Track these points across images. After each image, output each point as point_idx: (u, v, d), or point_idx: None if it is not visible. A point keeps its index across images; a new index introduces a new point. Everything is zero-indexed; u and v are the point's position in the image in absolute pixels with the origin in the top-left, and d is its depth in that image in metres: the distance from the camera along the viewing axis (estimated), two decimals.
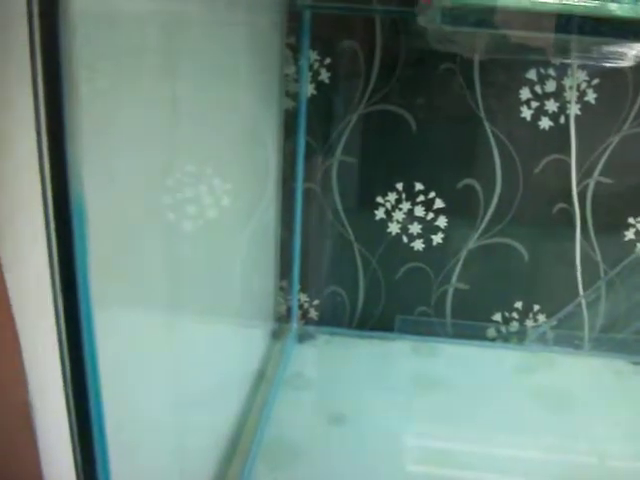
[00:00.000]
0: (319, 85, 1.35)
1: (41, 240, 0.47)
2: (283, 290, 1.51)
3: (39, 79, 0.41)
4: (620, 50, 1.06)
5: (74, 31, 0.42)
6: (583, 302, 1.45)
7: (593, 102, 1.31)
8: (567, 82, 1.30)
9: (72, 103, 0.42)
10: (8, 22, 0.45)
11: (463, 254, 1.44)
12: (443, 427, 1.23)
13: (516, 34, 1.02)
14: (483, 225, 1.41)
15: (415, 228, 1.42)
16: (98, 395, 0.51)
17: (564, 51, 1.18)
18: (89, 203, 0.48)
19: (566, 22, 0.89)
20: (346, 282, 1.50)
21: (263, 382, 1.32)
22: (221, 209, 0.97)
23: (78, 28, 0.44)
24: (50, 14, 0.42)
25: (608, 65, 1.21)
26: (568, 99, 1.31)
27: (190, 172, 0.84)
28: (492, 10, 0.89)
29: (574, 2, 0.80)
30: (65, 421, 0.52)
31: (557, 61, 1.27)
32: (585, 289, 1.43)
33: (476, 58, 1.29)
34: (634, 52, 1.08)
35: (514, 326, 1.49)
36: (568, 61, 1.26)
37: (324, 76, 1.35)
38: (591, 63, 1.24)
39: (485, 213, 1.40)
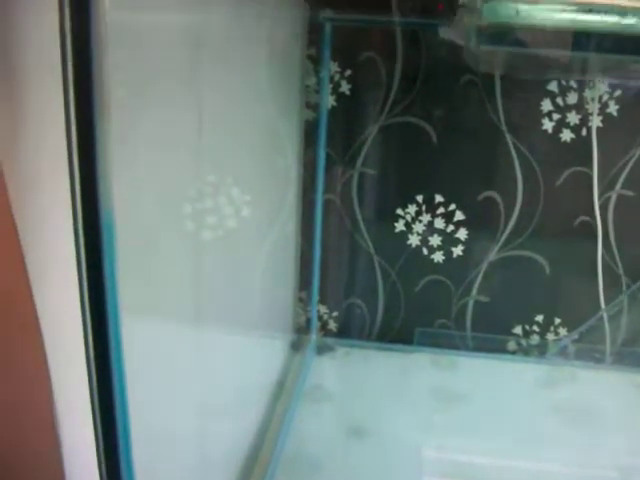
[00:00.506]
0: (340, 96, 1.36)
1: (69, 250, 0.48)
2: (302, 301, 1.51)
3: (70, 91, 0.42)
4: None
5: (105, 45, 0.42)
6: (605, 316, 1.43)
7: (615, 114, 1.30)
8: (589, 94, 1.29)
9: (103, 115, 0.42)
10: (38, 39, 0.46)
11: (484, 266, 1.43)
12: (463, 441, 1.22)
13: (551, 53, 1.01)
14: (504, 237, 1.40)
15: (435, 240, 1.42)
16: (124, 402, 0.51)
17: (596, 68, 1.18)
18: (117, 215, 0.48)
19: (600, 40, 0.88)
20: (365, 294, 1.50)
21: (282, 394, 1.32)
22: (242, 219, 0.97)
23: (109, 40, 0.44)
24: (82, 27, 0.42)
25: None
26: (590, 111, 1.30)
27: (212, 183, 0.84)
28: (529, 29, 0.88)
29: (611, 20, 0.80)
30: (90, 429, 0.52)
31: (589, 79, 1.27)
32: (607, 302, 1.42)
33: (500, 74, 1.29)
34: None
35: (535, 339, 1.48)
36: (600, 79, 1.25)
37: (345, 88, 1.35)
38: (632, 83, 1.24)
39: (506, 225, 1.39)
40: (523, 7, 0.80)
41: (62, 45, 0.43)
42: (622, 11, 0.79)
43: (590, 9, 0.80)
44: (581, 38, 0.91)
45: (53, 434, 0.53)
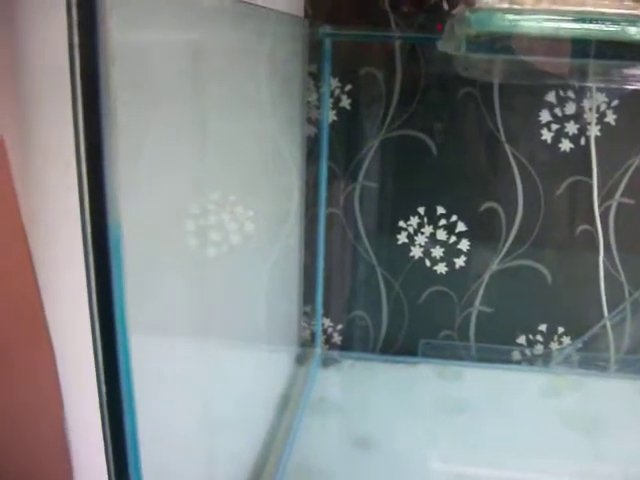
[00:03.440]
0: (340, 111, 1.37)
1: (79, 266, 0.48)
2: (307, 315, 1.52)
3: (79, 109, 0.43)
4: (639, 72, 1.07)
5: (112, 63, 0.43)
6: (608, 324, 1.44)
7: (613, 123, 1.31)
8: (586, 104, 1.31)
9: (110, 133, 0.44)
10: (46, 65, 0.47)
11: (486, 277, 1.44)
12: (469, 451, 1.22)
13: (538, 60, 1.03)
14: (505, 248, 1.41)
15: (437, 252, 1.43)
16: (133, 417, 0.52)
17: (585, 74, 1.19)
18: (124, 231, 0.49)
19: (587, 47, 0.90)
20: (369, 306, 1.50)
21: (288, 407, 1.32)
22: (246, 234, 0.98)
23: (115, 60, 0.45)
24: (89, 47, 0.43)
25: (629, 87, 1.22)
26: (588, 121, 1.31)
27: (216, 199, 0.85)
28: (516, 37, 0.90)
29: (596, 27, 0.81)
30: (100, 439, 0.53)
31: (576, 83, 1.28)
32: (610, 310, 1.42)
33: (496, 82, 1.30)
34: None
35: (539, 349, 1.48)
36: (589, 84, 1.26)
37: (345, 102, 1.36)
38: (613, 86, 1.25)
39: (507, 236, 1.40)
40: (511, 16, 0.82)
41: (71, 65, 0.44)
42: (609, 18, 0.81)
43: (576, 18, 0.82)
44: (569, 45, 0.92)
45: (64, 449, 0.54)
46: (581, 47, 0.90)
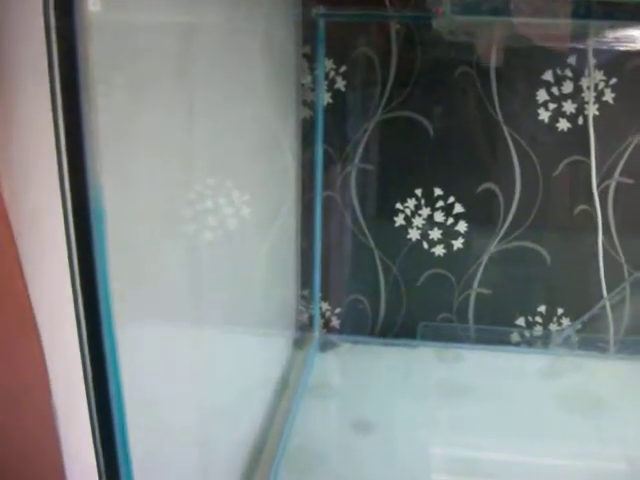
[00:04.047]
0: (335, 93, 1.36)
1: (62, 249, 0.48)
2: (305, 299, 1.51)
3: (57, 87, 0.42)
4: (632, 34, 1.05)
5: (90, 40, 0.43)
6: (607, 304, 1.43)
7: (611, 102, 1.30)
8: (584, 82, 1.29)
9: (90, 111, 0.43)
10: (25, 35, 0.46)
11: (484, 259, 1.43)
12: (469, 434, 1.22)
13: (525, 21, 1.01)
14: (504, 229, 1.40)
15: (435, 234, 1.42)
16: (120, 400, 0.51)
17: (575, 37, 1.17)
18: (109, 214, 0.48)
19: (577, 7, 0.88)
20: (367, 290, 1.50)
21: (286, 391, 1.32)
22: (241, 219, 0.98)
23: (94, 37, 0.44)
24: (66, 24, 0.42)
25: (621, 49, 1.20)
26: (586, 100, 1.30)
27: (210, 183, 0.85)
28: None
29: None
30: (88, 425, 0.52)
31: (573, 60, 1.27)
32: (609, 291, 1.42)
33: (492, 62, 1.29)
34: None
35: (538, 330, 1.48)
36: (580, 46, 1.24)
37: (340, 84, 1.35)
38: (603, 47, 1.23)
39: (505, 217, 1.39)
40: None
41: (48, 44, 0.43)
42: None
43: None
44: (560, 5, 0.91)
45: (52, 430, 0.54)
46: (569, 7, 0.88)
